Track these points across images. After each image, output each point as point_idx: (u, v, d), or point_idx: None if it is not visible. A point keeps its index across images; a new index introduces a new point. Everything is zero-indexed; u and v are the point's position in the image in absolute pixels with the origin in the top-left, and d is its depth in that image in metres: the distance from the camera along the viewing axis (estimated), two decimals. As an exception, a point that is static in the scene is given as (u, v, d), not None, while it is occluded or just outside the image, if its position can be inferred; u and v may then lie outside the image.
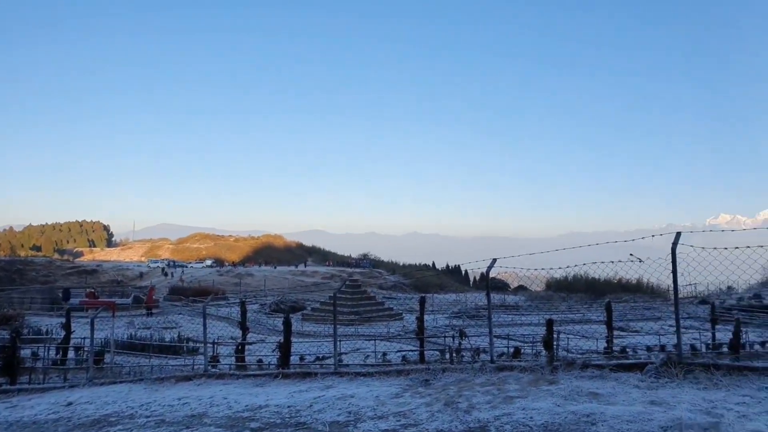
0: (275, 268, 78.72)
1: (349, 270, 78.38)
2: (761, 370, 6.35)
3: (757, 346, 21.56)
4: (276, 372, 10.28)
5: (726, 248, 7.37)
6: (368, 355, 22.12)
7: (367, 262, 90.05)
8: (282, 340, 13.77)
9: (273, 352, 18.56)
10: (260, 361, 19.72)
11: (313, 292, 54.86)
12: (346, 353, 21.76)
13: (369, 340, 26.35)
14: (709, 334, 23.84)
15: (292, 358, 15.48)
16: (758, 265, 8.81)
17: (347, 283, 44.82)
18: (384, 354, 21.57)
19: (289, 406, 6.88)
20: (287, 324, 14.31)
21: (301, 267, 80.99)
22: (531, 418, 5.20)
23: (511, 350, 20.32)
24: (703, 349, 19.74)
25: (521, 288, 56.70)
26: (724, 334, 22.47)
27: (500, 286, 58.93)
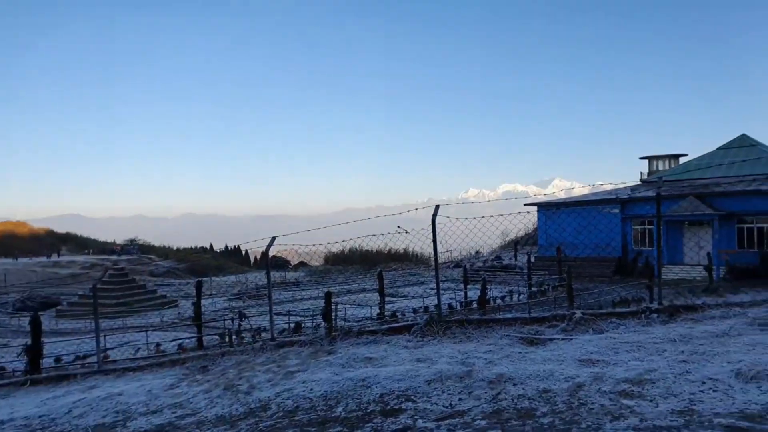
0: (16, 260, 67.53)
1: (114, 258, 71.05)
2: (502, 321, 7.43)
3: (498, 301, 25.28)
4: (23, 379, 8.88)
5: (474, 218, 8.40)
6: (139, 348, 20.46)
7: (134, 248, 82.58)
8: (29, 342, 11.91)
9: (18, 357, 16.00)
10: (2, 369, 16.89)
11: (69, 285, 48.49)
12: (112, 348, 19.83)
13: (140, 331, 24.36)
14: (462, 293, 27.30)
15: (45, 360, 13.53)
16: (498, 231, 10.27)
17: (111, 272, 40.67)
18: (158, 345, 20.15)
19: (41, 416, 5.98)
20: (35, 322, 12.41)
21: (54, 257, 70.86)
22: (311, 390, 5.32)
23: (293, 326, 20.66)
24: (458, 307, 22.47)
25: (302, 264, 57.78)
26: (474, 293, 25.90)
27: (281, 263, 59.23)
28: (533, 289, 27.44)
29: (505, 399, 4.41)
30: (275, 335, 9.47)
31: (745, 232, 30.85)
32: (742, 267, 28.90)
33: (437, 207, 8.34)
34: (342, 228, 10.33)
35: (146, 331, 23.14)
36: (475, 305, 21.28)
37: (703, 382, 4.25)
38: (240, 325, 20.57)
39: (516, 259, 43.19)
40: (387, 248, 52.27)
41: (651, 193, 29.98)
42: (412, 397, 4.72)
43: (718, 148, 37.19)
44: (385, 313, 20.48)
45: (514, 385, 4.74)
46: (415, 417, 4.23)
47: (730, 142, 37.22)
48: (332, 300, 11.43)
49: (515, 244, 46.31)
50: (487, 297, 21.92)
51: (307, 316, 24.34)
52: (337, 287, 40.46)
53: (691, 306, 7.18)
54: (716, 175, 33.66)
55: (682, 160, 40.85)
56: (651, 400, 4.01)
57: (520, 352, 5.97)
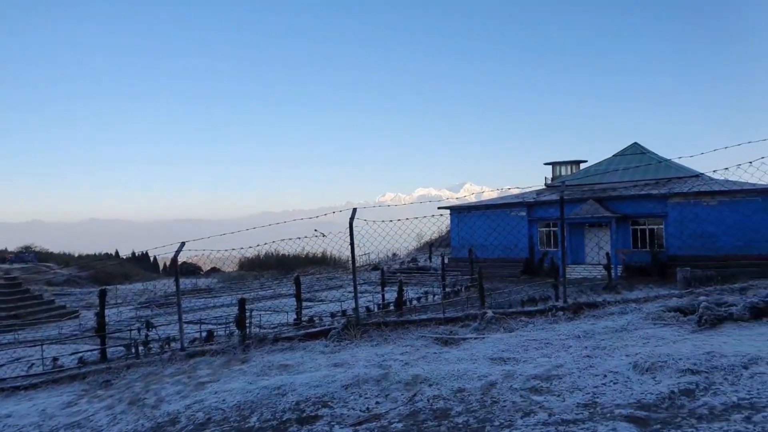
0: None
1: (5, 266, 65.47)
2: (418, 322, 7.53)
3: (415, 302, 25.66)
4: None
5: (391, 221, 8.46)
6: (33, 364, 18.92)
7: (30, 255, 76.45)
8: None
9: None
10: None
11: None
12: (1, 366, 18.21)
13: (34, 346, 22.54)
14: (380, 295, 27.50)
15: None
16: (414, 234, 10.44)
17: (1, 282, 37.41)
18: (54, 359, 18.72)
19: None
20: None
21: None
22: (224, 400, 5.12)
23: (205, 335, 19.89)
24: (376, 310, 22.59)
25: (214, 270, 55.89)
26: (391, 295, 26.15)
27: (192, 270, 57.01)
28: (447, 289, 28.10)
29: (422, 400, 4.45)
30: (185, 345, 9.06)
31: (639, 233, 33.28)
32: (636, 265, 31.17)
33: (354, 210, 8.33)
34: (257, 232, 10.06)
35: (42, 344, 21.46)
36: (392, 307, 21.48)
37: (605, 375, 4.50)
38: (147, 335, 19.53)
39: (431, 261, 44.12)
40: (304, 252, 51.59)
41: (555, 197, 31.70)
42: (329, 402, 4.66)
43: (613, 155, 39.87)
44: (303, 319, 20.20)
45: (430, 385, 4.80)
46: (332, 423, 4.18)
47: (624, 149, 40.02)
48: (246, 306, 11.13)
49: (430, 246, 47.33)
50: (404, 299, 22.20)
51: (220, 324, 23.52)
52: (252, 293, 39.47)
53: (593, 303, 7.62)
54: (613, 180, 36.05)
55: (582, 166, 43.40)
56: (558, 395, 4.19)
57: (435, 353, 6.06)
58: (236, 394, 5.24)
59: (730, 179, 15.01)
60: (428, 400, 4.43)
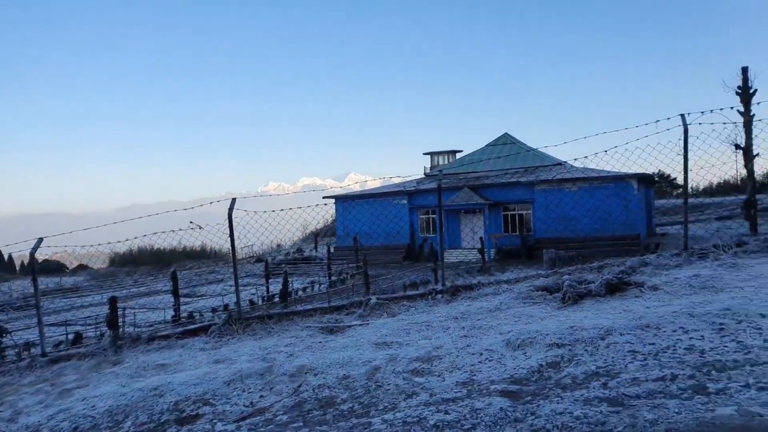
0: None
1: None
2: (303, 313, 7.48)
3: (300, 293, 25.50)
4: None
5: (274, 211, 8.30)
6: None
7: None
8: None
9: None
10: None
11: None
12: None
13: None
14: (264, 288, 26.97)
15: None
16: (299, 224, 10.33)
17: None
18: None
19: None
20: None
21: None
22: (93, 407, 4.75)
23: (71, 337, 18.31)
24: (260, 302, 22.14)
25: (81, 267, 51.63)
26: (276, 287, 25.74)
27: (55, 268, 52.29)
28: (333, 278, 28.23)
29: (307, 390, 4.44)
30: (48, 350, 8.28)
31: (509, 218, 35.58)
32: (507, 248, 33.33)
33: (234, 200, 8.06)
34: (127, 226, 9.40)
35: None
36: (277, 299, 21.16)
37: (481, 354, 4.77)
38: (0, 342, 17.61)
39: (316, 251, 44.03)
40: (182, 246, 49.22)
41: (434, 186, 32.95)
42: (210, 400, 4.49)
43: (486, 145, 42.11)
44: (181, 315, 19.29)
45: (315, 375, 4.80)
46: (214, 420, 4.04)
47: (495, 139, 42.40)
48: (118, 305, 10.41)
49: (316, 236, 47.14)
50: (289, 290, 21.97)
51: (89, 325, 21.79)
52: (125, 291, 36.98)
53: (469, 285, 8.02)
54: (486, 168, 38.13)
55: (459, 155, 45.41)
56: (439, 375, 4.37)
57: (320, 342, 6.07)
58: (108, 398, 4.89)
59: (588, 167, 16.47)
60: (313, 390, 4.42)
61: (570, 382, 3.82)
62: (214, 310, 21.49)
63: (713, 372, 3.58)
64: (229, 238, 7.98)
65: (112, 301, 9.83)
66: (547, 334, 4.92)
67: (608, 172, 28.35)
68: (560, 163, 35.63)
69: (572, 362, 4.20)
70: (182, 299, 21.91)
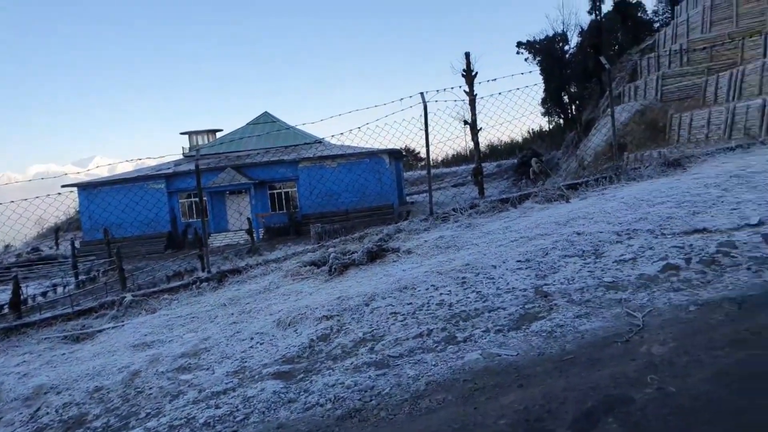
0: None
1: None
2: (39, 323, 6.38)
3: (39, 298, 22.00)
4: None
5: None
6: None
7: None
8: None
9: None
10: None
11: None
12: None
13: None
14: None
15: None
16: (33, 219, 8.73)
17: None
18: None
19: None
20: None
21: None
22: None
23: None
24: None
25: None
26: (5, 295, 21.78)
27: None
28: (82, 278, 25.03)
29: (48, 413, 3.78)
30: None
31: (276, 196, 35.63)
32: (276, 227, 33.42)
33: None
34: None
35: None
36: (6, 310, 17.90)
37: (252, 338, 4.60)
38: None
39: (58, 248, 38.44)
40: None
41: (192, 167, 31.10)
42: None
43: (247, 124, 41.29)
44: None
45: (59, 393, 4.12)
46: None
47: (256, 118, 41.82)
48: None
49: (56, 231, 41.06)
50: (23, 297, 18.76)
51: None
52: None
53: (237, 269, 7.73)
54: (248, 147, 37.43)
55: (219, 134, 43.72)
56: (208, 368, 4.10)
57: (63, 354, 5.23)
58: None
59: (345, 144, 17.19)
60: (57, 411, 3.78)
61: (340, 353, 3.90)
62: None
63: (460, 322, 3.99)
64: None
65: None
66: (316, 308, 4.96)
67: (363, 148, 30.18)
68: (320, 141, 36.69)
69: (341, 332, 4.30)
70: None
